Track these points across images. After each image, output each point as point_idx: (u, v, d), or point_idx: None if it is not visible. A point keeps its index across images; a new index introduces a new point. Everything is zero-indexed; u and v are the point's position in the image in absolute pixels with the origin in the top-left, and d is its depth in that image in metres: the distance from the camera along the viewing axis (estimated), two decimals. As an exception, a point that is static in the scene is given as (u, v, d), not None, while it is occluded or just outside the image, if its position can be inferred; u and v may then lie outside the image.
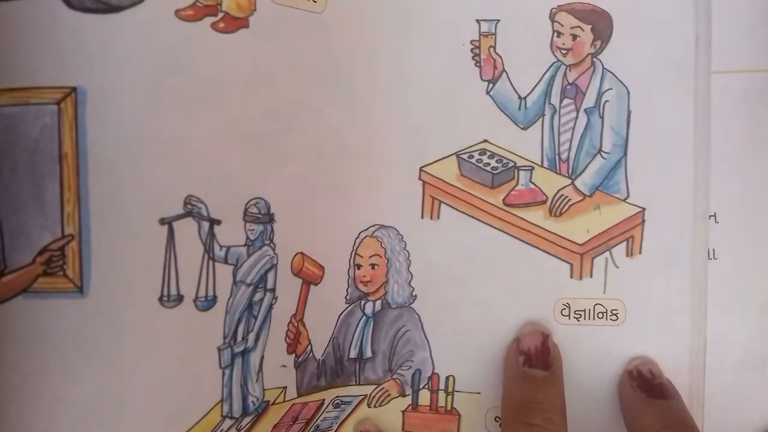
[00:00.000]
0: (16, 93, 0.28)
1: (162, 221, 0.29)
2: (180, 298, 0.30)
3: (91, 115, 0.29)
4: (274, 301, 0.33)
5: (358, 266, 0.37)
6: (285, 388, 0.35)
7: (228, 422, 0.33)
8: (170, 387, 0.30)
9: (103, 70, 0.29)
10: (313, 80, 0.35)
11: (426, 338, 0.37)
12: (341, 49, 0.35)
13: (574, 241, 0.36)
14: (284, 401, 0.35)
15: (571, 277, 0.36)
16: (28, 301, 0.28)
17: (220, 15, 0.31)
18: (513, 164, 0.36)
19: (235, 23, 0.31)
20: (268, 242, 0.33)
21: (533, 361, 0.34)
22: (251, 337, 0.33)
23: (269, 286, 0.33)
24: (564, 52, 0.36)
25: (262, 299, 0.33)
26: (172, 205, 0.30)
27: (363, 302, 0.37)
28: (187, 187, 0.30)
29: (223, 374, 0.32)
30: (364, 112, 0.36)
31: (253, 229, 0.32)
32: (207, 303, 0.31)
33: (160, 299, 0.29)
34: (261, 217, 0.32)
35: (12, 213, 0.28)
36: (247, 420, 0.33)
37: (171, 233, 0.29)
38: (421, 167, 0.36)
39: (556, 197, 0.36)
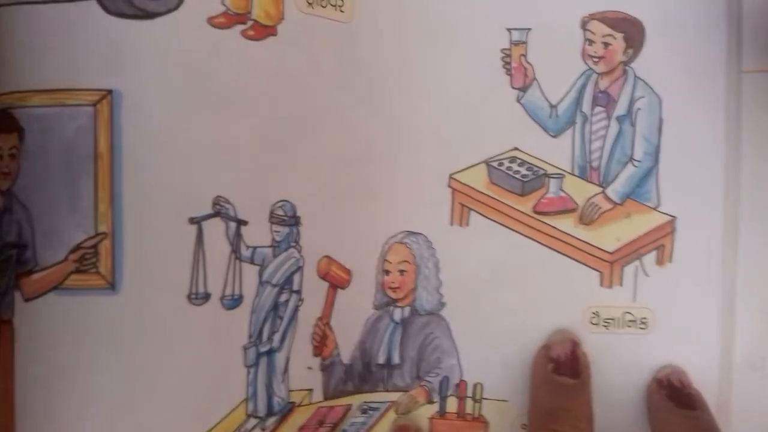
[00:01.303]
0: (52, 94, 0.29)
1: (191, 221, 0.31)
2: (207, 297, 0.31)
3: (126, 117, 0.30)
4: (300, 302, 0.34)
5: (387, 272, 0.37)
6: (311, 390, 0.35)
7: (252, 421, 0.33)
8: (196, 384, 0.31)
9: (138, 74, 0.30)
10: (339, 88, 0.35)
11: (454, 345, 0.37)
12: (368, 58, 0.36)
13: (605, 249, 0.36)
14: (310, 404, 0.35)
15: (601, 285, 0.36)
16: (60, 297, 0.29)
17: (250, 23, 0.32)
18: (543, 172, 0.36)
19: (263, 31, 0.32)
20: (294, 244, 0.33)
21: (562, 369, 0.34)
22: (276, 337, 0.33)
23: (295, 287, 0.34)
24: (596, 60, 0.36)
25: (288, 300, 0.33)
26: (201, 205, 0.31)
27: (391, 308, 0.37)
28: (216, 188, 0.31)
29: (248, 373, 0.32)
30: (392, 120, 0.36)
31: (279, 231, 0.33)
32: (233, 302, 0.32)
33: (189, 297, 0.30)
34: (287, 219, 0.33)
35: (45, 212, 0.30)
36: (271, 420, 0.34)
37: (200, 233, 0.30)
38: (451, 174, 0.36)
39: (587, 205, 0.36)
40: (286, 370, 0.33)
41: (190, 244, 0.30)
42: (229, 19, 0.31)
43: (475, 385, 0.37)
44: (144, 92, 0.30)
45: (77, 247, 0.29)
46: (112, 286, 0.29)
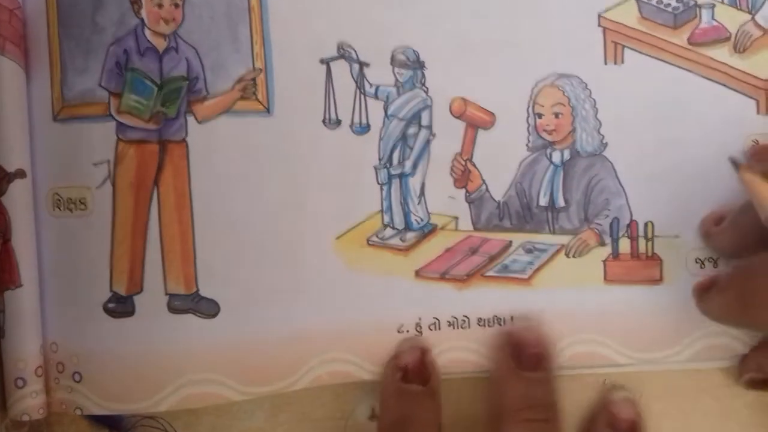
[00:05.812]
0: None
1: (321, 61, 0.36)
2: (338, 122, 0.36)
3: None
4: (432, 137, 0.36)
5: (539, 115, 0.36)
6: (456, 218, 0.36)
7: (391, 231, 0.36)
8: (336, 192, 0.36)
9: None
10: None
11: (621, 186, 0.36)
12: None
13: (759, 76, 0.36)
14: (456, 230, 0.36)
15: (758, 112, 0.36)
16: (229, 119, 0.35)
17: None
18: (694, 2, 0.36)
19: None
20: (419, 86, 0.36)
21: (411, 376, 0.34)
22: (408, 164, 0.36)
23: (424, 123, 0.36)
24: None
25: (416, 133, 0.36)
26: (329, 49, 0.36)
27: (549, 151, 0.36)
28: (341, 35, 0.36)
29: (381, 189, 0.36)
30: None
31: (402, 73, 0.36)
32: (361, 129, 0.36)
33: (323, 121, 0.36)
34: (409, 63, 0.36)
35: (212, 51, 0.35)
36: (411, 235, 0.36)
37: (329, 70, 0.36)
38: (600, 13, 0.36)
39: (739, 33, 0.36)
40: (421, 193, 0.36)
41: (322, 79, 0.36)
42: None
43: (646, 224, 0.36)
44: None
45: (240, 79, 0.35)
46: (267, 109, 0.35)
